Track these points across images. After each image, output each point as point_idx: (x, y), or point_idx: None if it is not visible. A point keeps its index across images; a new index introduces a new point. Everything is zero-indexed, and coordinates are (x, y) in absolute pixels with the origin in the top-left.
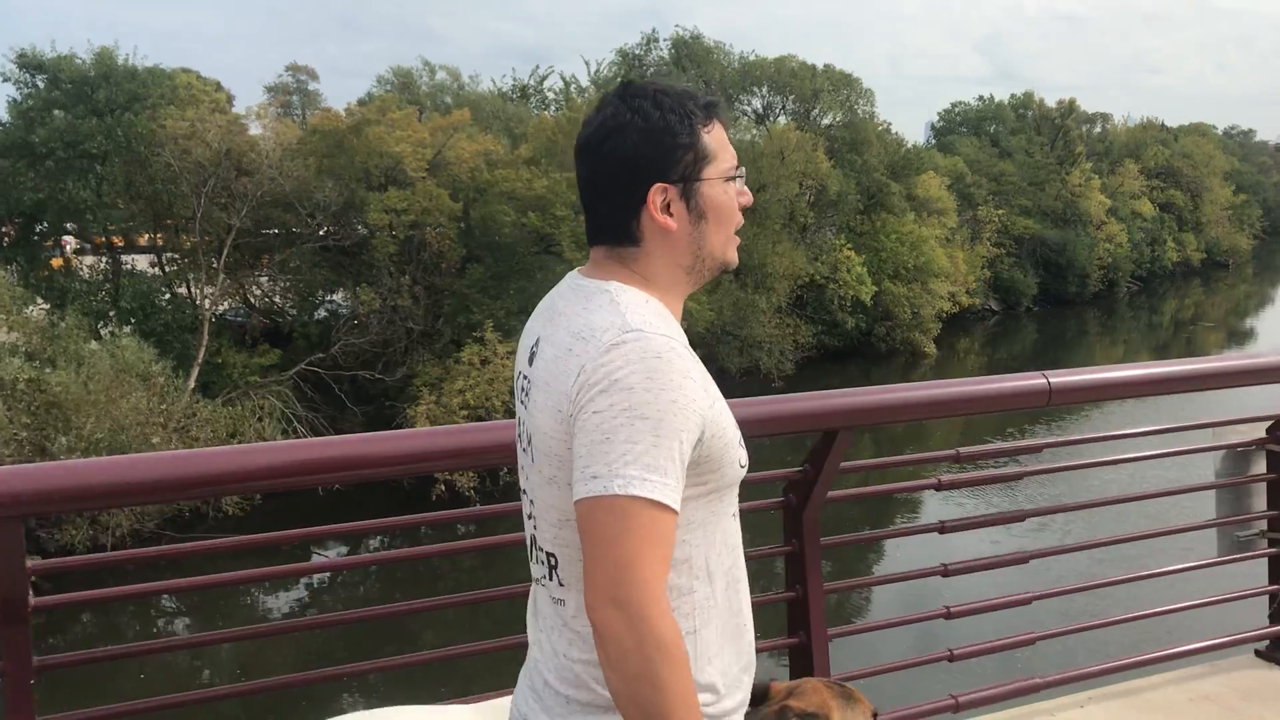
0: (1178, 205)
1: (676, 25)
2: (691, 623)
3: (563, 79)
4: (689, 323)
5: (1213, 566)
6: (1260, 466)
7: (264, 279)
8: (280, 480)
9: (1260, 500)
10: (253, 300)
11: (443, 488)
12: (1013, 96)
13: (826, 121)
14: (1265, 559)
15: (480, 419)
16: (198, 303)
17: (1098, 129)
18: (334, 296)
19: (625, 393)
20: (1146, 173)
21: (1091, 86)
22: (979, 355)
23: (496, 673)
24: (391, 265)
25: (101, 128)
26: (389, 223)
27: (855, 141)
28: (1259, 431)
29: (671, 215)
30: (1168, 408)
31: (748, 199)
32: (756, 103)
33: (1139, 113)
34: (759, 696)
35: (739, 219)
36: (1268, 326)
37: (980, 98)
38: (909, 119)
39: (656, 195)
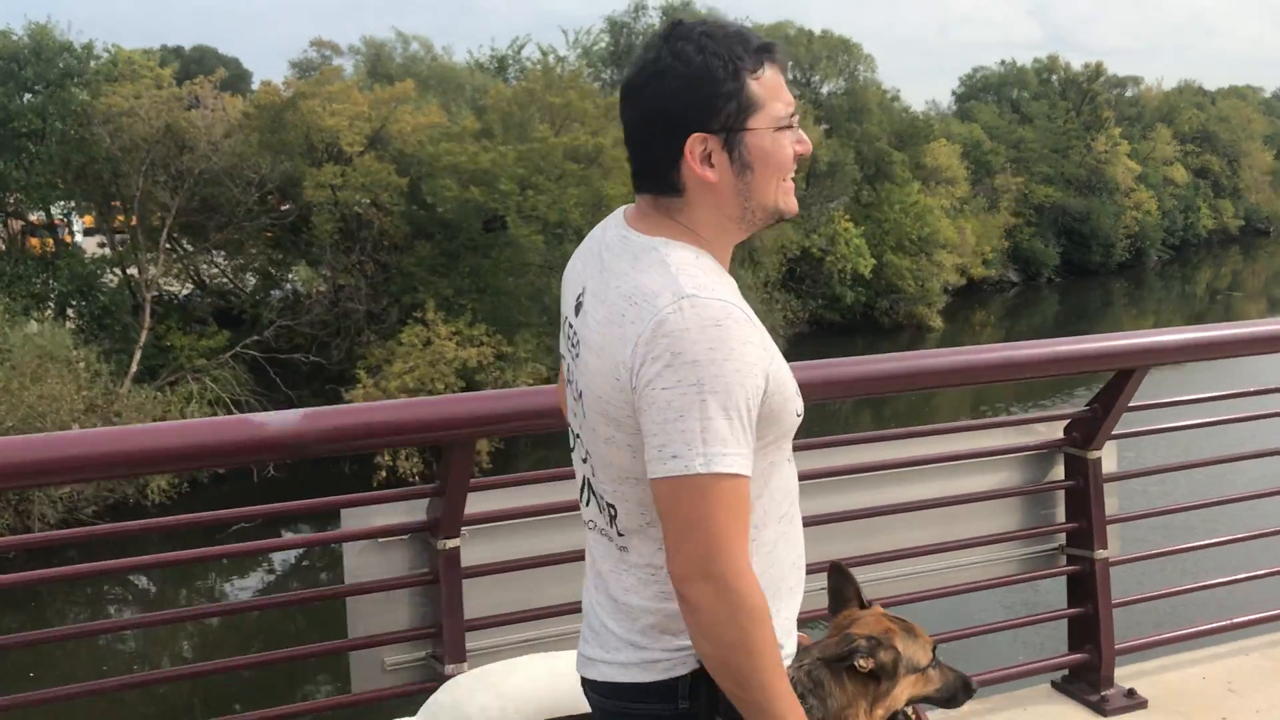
0: (1214, 171)
1: None
2: (755, 566)
3: (540, 49)
4: None
5: (1006, 585)
6: (1059, 472)
7: (212, 258)
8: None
9: (1059, 511)
10: (205, 281)
11: (383, 473)
12: (1036, 60)
13: (827, 89)
14: (1064, 577)
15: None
16: (141, 284)
17: (1129, 93)
18: (292, 276)
19: (691, 367)
20: (1180, 138)
21: (1146, 50)
22: (996, 328)
23: None
24: (333, 243)
25: (32, 105)
26: (326, 199)
27: (854, 109)
28: (1056, 432)
29: (713, 166)
30: None
31: (806, 147)
32: None
33: (1197, 76)
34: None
35: (792, 168)
36: None
37: (1002, 62)
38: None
39: (696, 145)
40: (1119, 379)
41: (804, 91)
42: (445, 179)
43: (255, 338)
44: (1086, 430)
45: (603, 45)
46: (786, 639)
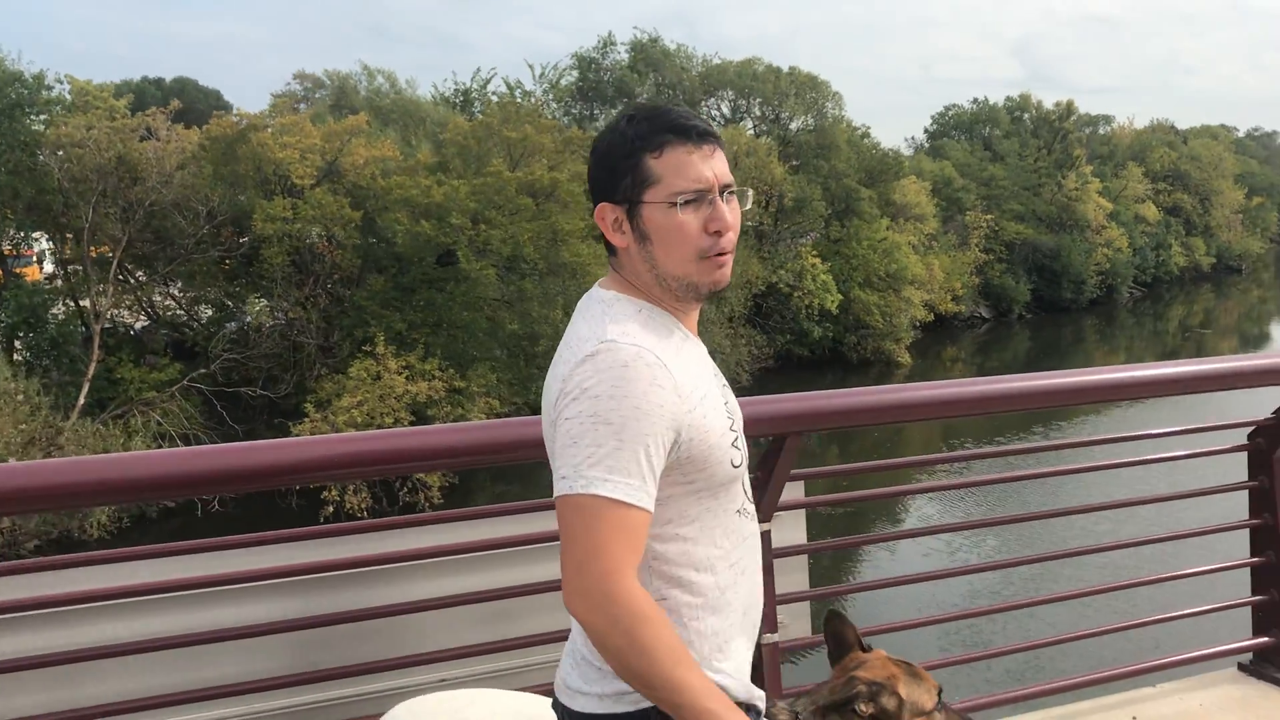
0: (1185, 209)
1: (635, 28)
2: (695, 612)
3: (506, 84)
4: None
5: (1198, 576)
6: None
7: (167, 290)
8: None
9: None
10: (159, 313)
11: (331, 509)
12: (1008, 99)
13: (795, 126)
14: (1248, 569)
15: None
16: (91, 315)
17: (1101, 131)
18: (245, 308)
19: (592, 400)
20: (1152, 176)
21: (1126, 89)
22: (967, 364)
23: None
24: (285, 276)
25: None
26: (276, 231)
27: (823, 146)
28: (1240, 437)
29: (623, 233)
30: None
31: (721, 223)
32: (726, 107)
33: (1174, 116)
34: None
35: (700, 242)
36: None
37: (975, 100)
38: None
39: (606, 213)
40: None
41: (771, 128)
42: (397, 212)
43: (202, 370)
44: (1271, 434)
45: (571, 80)
46: (740, 686)
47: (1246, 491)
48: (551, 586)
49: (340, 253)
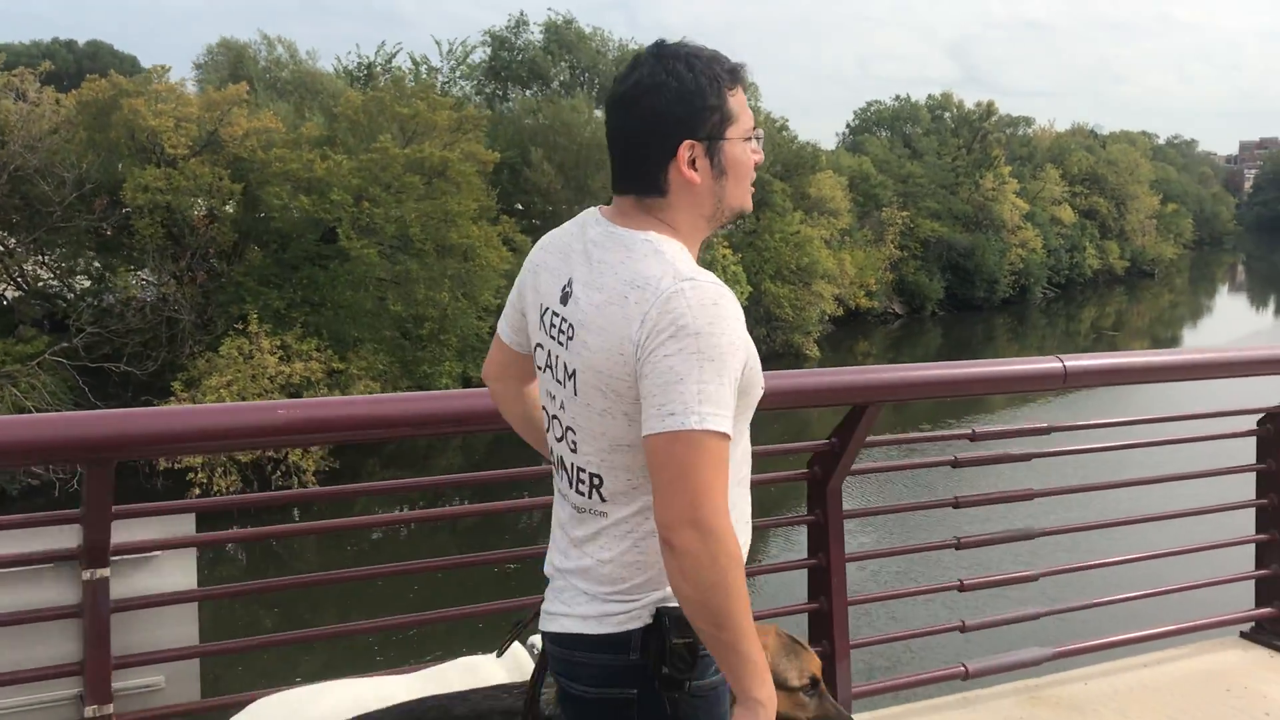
0: (1101, 212)
1: (549, 9)
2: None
3: (412, 59)
4: None
5: (1201, 551)
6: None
7: (40, 260)
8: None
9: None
10: (29, 283)
11: (198, 491)
12: (930, 97)
13: None
14: (1253, 544)
15: None
16: None
17: (1021, 132)
18: (118, 281)
19: (693, 338)
20: (1069, 179)
21: (1059, 93)
22: (878, 359)
23: (433, 644)
24: (159, 249)
25: None
26: (148, 203)
27: None
28: (1250, 423)
29: (697, 170)
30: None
31: (760, 157)
32: None
33: (1105, 122)
34: None
35: (754, 174)
36: (1194, 335)
37: (897, 97)
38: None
39: (685, 151)
40: None
41: None
42: (277, 186)
43: (64, 344)
44: (1278, 421)
45: (482, 58)
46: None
47: (1255, 474)
48: None
49: (218, 227)
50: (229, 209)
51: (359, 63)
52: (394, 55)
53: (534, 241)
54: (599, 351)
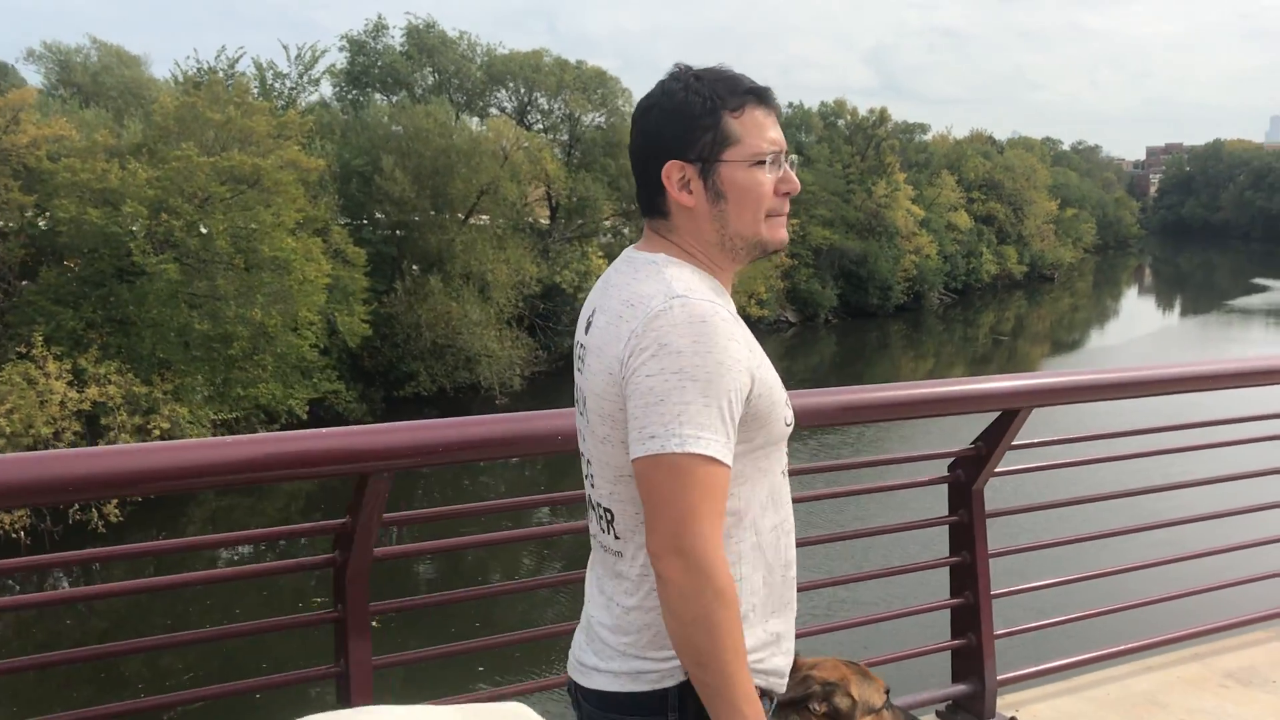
0: (998, 218)
1: (407, 13)
2: (738, 570)
3: (256, 64)
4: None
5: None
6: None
7: None
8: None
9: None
10: None
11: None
12: (822, 104)
13: (587, 122)
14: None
15: (27, 448)
16: None
17: (917, 139)
18: None
19: (674, 356)
20: (966, 185)
21: (977, 100)
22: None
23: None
24: None
25: None
26: None
27: (610, 144)
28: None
29: (691, 193)
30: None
31: (791, 185)
32: (512, 100)
33: (1024, 128)
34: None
35: (770, 203)
36: (1099, 336)
37: (790, 104)
38: None
39: (673, 171)
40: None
41: (564, 124)
42: (65, 198)
43: None
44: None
45: (337, 64)
46: (778, 652)
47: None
48: None
49: (5, 243)
50: (16, 222)
51: (198, 68)
52: (236, 60)
53: (370, 253)
54: (598, 374)
